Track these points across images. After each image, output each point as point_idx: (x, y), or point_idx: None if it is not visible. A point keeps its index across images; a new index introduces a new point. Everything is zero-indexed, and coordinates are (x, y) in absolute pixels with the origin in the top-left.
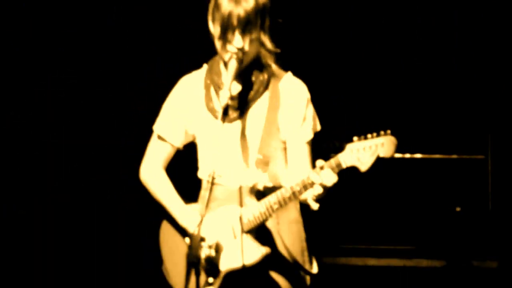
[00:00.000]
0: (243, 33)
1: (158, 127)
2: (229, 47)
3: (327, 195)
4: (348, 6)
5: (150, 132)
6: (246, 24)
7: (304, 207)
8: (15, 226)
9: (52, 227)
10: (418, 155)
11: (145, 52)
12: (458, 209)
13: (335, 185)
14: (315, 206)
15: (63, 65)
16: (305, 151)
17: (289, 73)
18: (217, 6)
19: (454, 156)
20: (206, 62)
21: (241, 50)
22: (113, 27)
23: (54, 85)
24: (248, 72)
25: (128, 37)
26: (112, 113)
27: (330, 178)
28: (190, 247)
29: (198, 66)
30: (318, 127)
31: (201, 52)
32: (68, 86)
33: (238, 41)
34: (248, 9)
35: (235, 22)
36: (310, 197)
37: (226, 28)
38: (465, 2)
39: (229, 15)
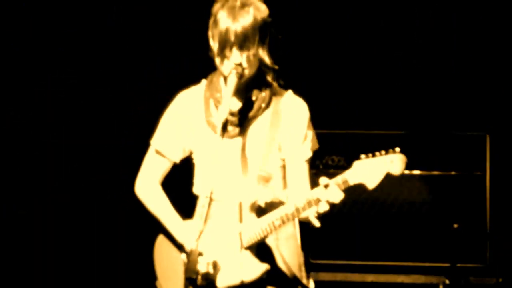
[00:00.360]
0: (241, 49)
1: (156, 141)
2: (227, 63)
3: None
4: (343, 21)
5: (150, 132)
6: (244, 40)
7: (301, 223)
8: (15, 226)
9: (52, 227)
10: (417, 172)
11: (145, 52)
12: (455, 225)
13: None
14: (317, 223)
15: (63, 65)
16: (305, 169)
17: (290, 91)
18: (215, 22)
19: (453, 173)
20: (205, 73)
21: (240, 66)
22: (113, 27)
23: (54, 85)
24: (249, 88)
25: (128, 37)
26: (112, 113)
27: (337, 195)
28: (188, 263)
29: (198, 66)
30: (317, 146)
31: (201, 52)
32: (68, 86)
33: (236, 57)
34: (245, 25)
35: (232, 38)
36: (312, 214)
37: (224, 44)
38: (459, 8)
39: (227, 31)
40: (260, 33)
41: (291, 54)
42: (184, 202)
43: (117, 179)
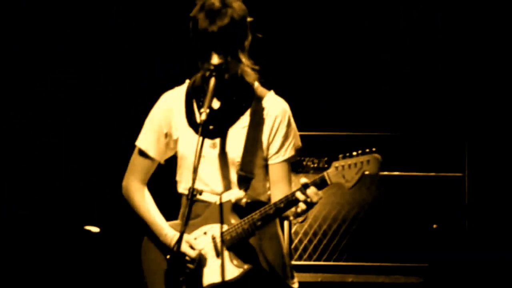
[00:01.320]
0: (219, 50)
1: (140, 141)
2: (206, 64)
3: (307, 211)
4: (327, 23)
5: None
6: (222, 42)
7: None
8: (15, 226)
9: (52, 227)
10: (396, 173)
11: (145, 52)
12: (435, 226)
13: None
14: (296, 222)
15: (63, 65)
16: (286, 169)
17: (272, 92)
18: (195, 24)
19: (432, 174)
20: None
21: (218, 67)
22: (113, 27)
23: (54, 85)
24: (229, 89)
25: (128, 37)
26: (112, 113)
27: (315, 196)
28: (171, 263)
29: (198, 66)
30: (299, 144)
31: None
32: (68, 86)
33: (214, 58)
34: (223, 27)
35: (210, 39)
36: (292, 213)
37: (203, 46)
38: (440, 17)
39: (204, 32)
40: (239, 34)
41: (273, 55)
42: (175, 202)
43: (117, 179)
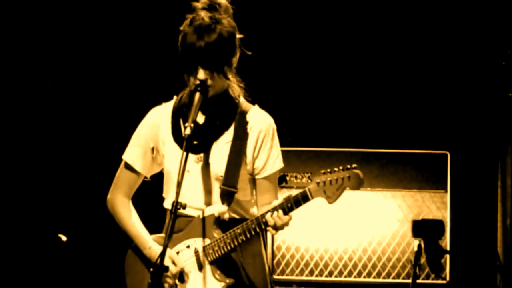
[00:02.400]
0: (205, 66)
1: (127, 155)
2: (192, 78)
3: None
4: (311, 41)
5: None
6: (208, 58)
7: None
8: (15, 226)
9: (52, 227)
10: (379, 189)
11: (145, 52)
12: (418, 241)
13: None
14: (274, 232)
15: (63, 65)
16: (273, 182)
17: (256, 106)
18: (183, 38)
19: (415, 191)
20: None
21: (204, 82)
22: (113, 27)
23: (54, 85)
24: (215, 104)
25: (128, 37)
26: (112, 113)
27: (279, 221)
28: (153, 277)
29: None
30: (282, 165)
31: None
32: (68, 86)
33: (200, 73)
34: (210, 43)
35: (196, 54)
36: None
37: (189, 60)
38: (420, 29)
39: (192, 47)
40: (227, 50)
41: (257, 71)
42: (160, 216)
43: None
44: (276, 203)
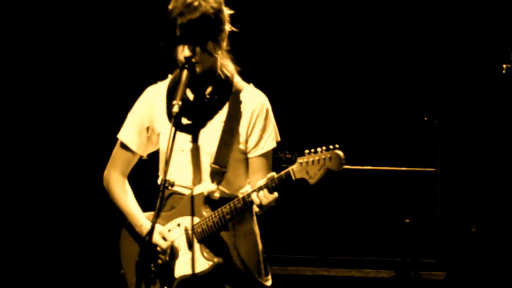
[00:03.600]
0: (189, 43)
1: (122, 134)
2: (179, 56)
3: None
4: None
5: None
6: (191, 35)
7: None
8: (15, 226)
9: (52, 227)
10: (368, 167)
11: (145, 52)
12: (407, 220)
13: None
14: (259, 211)
15: (63, 65)
16: (266, 162)
17: (251, 85)
18: (168, 16)
19: (404, 168)
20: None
21: (188, 59)
22: (113, 27)
23: (54, 85)
24: (205, 82)
25: (128, 37)
26: (112, 113)
27: (264, 199)
28: (144, 253)
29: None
30: (278, 138)
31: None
32: (68, 86)
33: (185, 51)
34: (192, 20)
35: (180, 31)
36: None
37: (174, 38)
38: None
39: (175, 25)
40: (212, 26)
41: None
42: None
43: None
44: (261, 182)
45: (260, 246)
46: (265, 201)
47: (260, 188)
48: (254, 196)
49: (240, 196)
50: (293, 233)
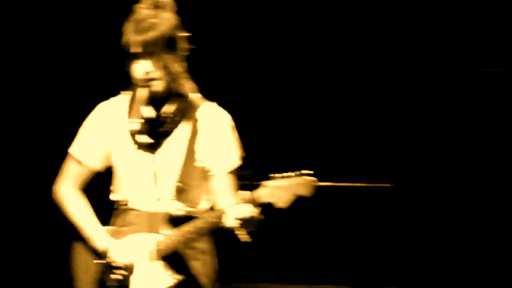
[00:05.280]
0: (143, 61)
1: (75, 150)
2: (135, 73)
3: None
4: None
5: None
6: (145, 53)
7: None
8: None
9: (51, 227)
10: (328, 183)
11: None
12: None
13: None
14: (244, 238)
15: (63, 65)
16: (228, 181)
17: (214, 104)
18: (123, 35)
19: (364, 185)
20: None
21: (143, 77)
22: (112, 27)
23: (54, 86)
24: (163, 100)
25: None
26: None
27: (246, 212)
28: (100, 270)
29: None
30: (242, 154)
31: (199, 53)
32: (67, 87)
33: (139, 68)
34: (147, 39)
35: (133, 50)
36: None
37: (128, 56)
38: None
39: (129, 43)
40: (166, 46)
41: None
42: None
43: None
44: (232, 202)
45: (216, 266)
46: (247, 215)
47: (233, 210)
48: (227, 220)
49: (208, 216)
50: (247, 250)
